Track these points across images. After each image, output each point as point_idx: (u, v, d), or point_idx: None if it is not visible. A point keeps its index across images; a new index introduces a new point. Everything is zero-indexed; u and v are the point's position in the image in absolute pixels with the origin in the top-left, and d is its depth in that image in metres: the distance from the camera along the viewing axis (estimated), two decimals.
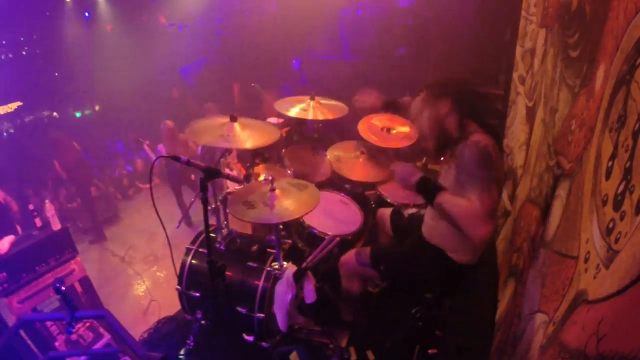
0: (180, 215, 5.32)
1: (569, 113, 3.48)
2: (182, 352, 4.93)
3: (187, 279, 4.73)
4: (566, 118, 3.55)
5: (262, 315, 4.39)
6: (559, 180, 3.41)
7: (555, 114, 3.87)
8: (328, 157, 5.75)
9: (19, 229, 6.19)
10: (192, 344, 4.92)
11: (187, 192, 10.89)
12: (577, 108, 3.22)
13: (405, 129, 5.59)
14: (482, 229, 3.28)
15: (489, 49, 8.26)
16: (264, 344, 4.61)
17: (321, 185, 5.52)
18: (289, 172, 5.59)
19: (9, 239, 5.42)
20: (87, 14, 12.53)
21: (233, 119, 4.48)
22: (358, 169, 5.49)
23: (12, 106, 11.69)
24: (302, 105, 5.54)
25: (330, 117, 5.46)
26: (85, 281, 6.12)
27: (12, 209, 7.76)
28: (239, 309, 4.45)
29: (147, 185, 11.91)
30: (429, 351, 4.48)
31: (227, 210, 4.59)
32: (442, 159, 3.91)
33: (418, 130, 3.77)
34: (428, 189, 3.67)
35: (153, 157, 10.06)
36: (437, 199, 3.55)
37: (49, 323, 5.42)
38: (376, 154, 5.65)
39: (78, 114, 13.22)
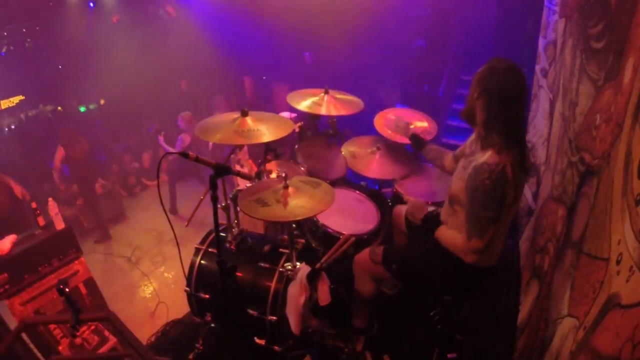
0: (188, 213, 5.28)
1: (593, 107, 3.44)
2: (191, 356, 4.93)
3: (197, 280, 4.71)
4: (589, 112, 3.51)
5: (274, 317, 4.37)
6: (584, 177, 3.38)
7: (575, 108, 3.83)
8: (343, 153, 5.73)
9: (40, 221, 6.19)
10: (201, 348, 4.91)
11: (197, 188, 10.92)
12: (603, 102, 3.18)
13: (424, 124, 5.56)
14: (468, 258, 3.59)
15: (510, 41, 8.23)
16: (276, 347, 4.60)
17: (336, 183, 5.50)
18: (302, 168, 5.56)
19: (10, 239, 5.40)
20: (91, 4, 12.52)
21: (244, 113, 4.46)
22: (374, 166, 5.46)
23: (15, 100, 11.69)
24: (316, 99, 5.52)
25: (344, 112, 5.43)
26: (90, 282, 6.11)
27: (26, 202, 7.78)
28: (250, 311, 4.44)
29: (154, 183, 11.91)
30: (448, 355, 4.45)
31: (238, 208, 4.58)
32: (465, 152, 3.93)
33: None
34: (431, 224, 4.01)
35: (170, 149, 10.22)
36: (436, 233, 3.90)
37: (52, 326, 5.41)
38: (393, 151, 5.61)
39: (82, 108, 13.21)
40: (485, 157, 3.36)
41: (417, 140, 5.01)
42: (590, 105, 3.54)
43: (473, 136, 3.85)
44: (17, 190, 7.89)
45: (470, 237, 3.48)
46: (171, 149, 10.26)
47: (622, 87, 2.73)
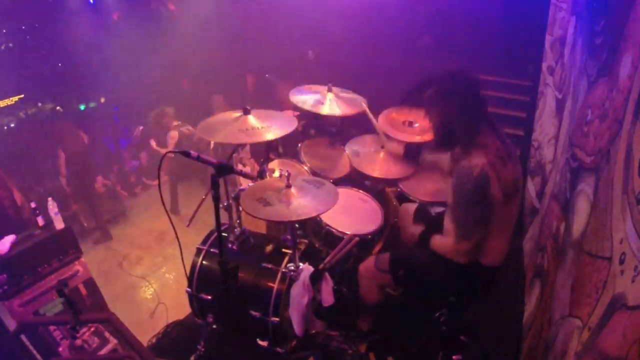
0: (190, 213, 5.28)
1: (585, 102, 3.46)
2: (192, 358, 4.94)
3: (198, 281, 4.73)
4: (581, 108, 3.53)
5: (277, 319, 4.38)
6: (578, 174, 3.39)
7: (576, 105, 3.86)
8: (346, 152, 5.74)
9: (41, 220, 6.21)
10: (202, 349, 4.92)
11: (198, 188, 10.93)
12: (595, 97, 3.20)
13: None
14: (460, 259, 3.75)
15: (516, 38, 8.23)
16: (279, 349, 4.62)
17: (339, 182, 5.50)
18: (305, 168, 5.57)
19: (9, 239, 5.41)
20: (92, 0, 12.51)
21: (246, 111, 4.47)
22: (378, 165, 5.46)
23: (14, 98, 11.69)
24: (318, 96, 5.52)
25: (349, 112, 5.43)
26: (90, 283, 6.12)
27: (25, 211, 7.79)
28: (253, 312, 4.46)
29: (156, 182, 11.90)
30: (453, 357, 4.46)
31: (240, 208, 4.59)
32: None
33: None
34: (438, 224, 4.05)
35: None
36: (430, 243, 4.05)
37: (52, 327, 5.42)
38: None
39: (82, 107, 13.18)
40: (463, 160, 3.45)
41: (412, 149, 5.03)
42: (582, 100, 3.57)
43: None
44: (18, 197, 7.91)
45: (459, 240, 3.62)
46: (166, 150, 10.24)
47: (618, 82, 2.74)
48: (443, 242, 3.88)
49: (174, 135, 10.40)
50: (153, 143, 10.71)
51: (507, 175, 3.45)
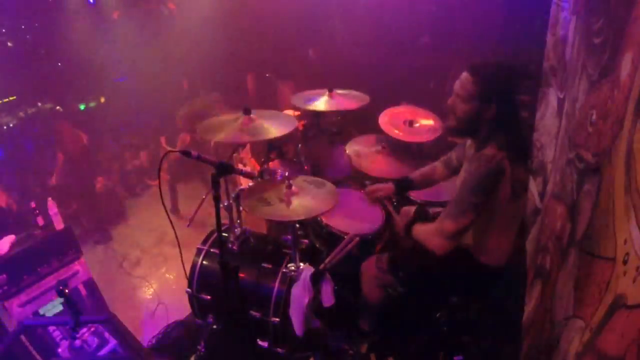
0: (190, 213, 5.28)
1: (587, 103, 3.46)
2: (192, 358, 4.93)
3: (198, 281, 4.73)
4: (583, 108, 3.53)
5: (278, 319, 4.39)
6: (583, 174, 3.40)
7: (575, 104, 3.86)
8: (347, 152, 5.74)
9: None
10: (203, 350, 4.91)
11: (198, 188, 10.93)
12: (599, 98, 3.20)
13: (429, 121, 5.57)
14: (436, 241, 3.77)
15: (517, 37, 8.23)
16: (279, 349, 4.61)
17: (339, 182, 5.51)
18: (305, 167, 5.57)
19: (9, 239, 5.40)
20: (92, 0, 12.49)
21: (246, 111, 4.47)
22: (379, 165, 5.46)
23: (11, 98, 11.66)
24: (320, 100, 5.51)
25: (351, 107, 5.43)
26: (90, 283, 6.11)
27: (13, 211, 7.77)
28: (253, 312, 4.46)
29: (156, 182, 11.89)
30: (455, 358, 4.46)
31: (241, 208, 4.60)
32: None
33: (451, 106, 3.81)
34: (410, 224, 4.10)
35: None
36: (412, 232, 4.04)
37: (51, 328, 5.39)
38: (398, 149, 5.62)
39: (82, 106, 13.16)
40: (487, 149, 3.45)
41: (401, 185, 5.01)
42: (583, 100, 3.57)
43: (468, 142, 3.92)
44: (3, 199, 7.86)
45: (445, 219, 3.62)
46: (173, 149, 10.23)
47: (619, 82, 2.74)
48: (424, 227, 3.92)
49: (185, 138, 10.42)
50: (163, 141, 10.72)
51: (520, 173, 3.47)
